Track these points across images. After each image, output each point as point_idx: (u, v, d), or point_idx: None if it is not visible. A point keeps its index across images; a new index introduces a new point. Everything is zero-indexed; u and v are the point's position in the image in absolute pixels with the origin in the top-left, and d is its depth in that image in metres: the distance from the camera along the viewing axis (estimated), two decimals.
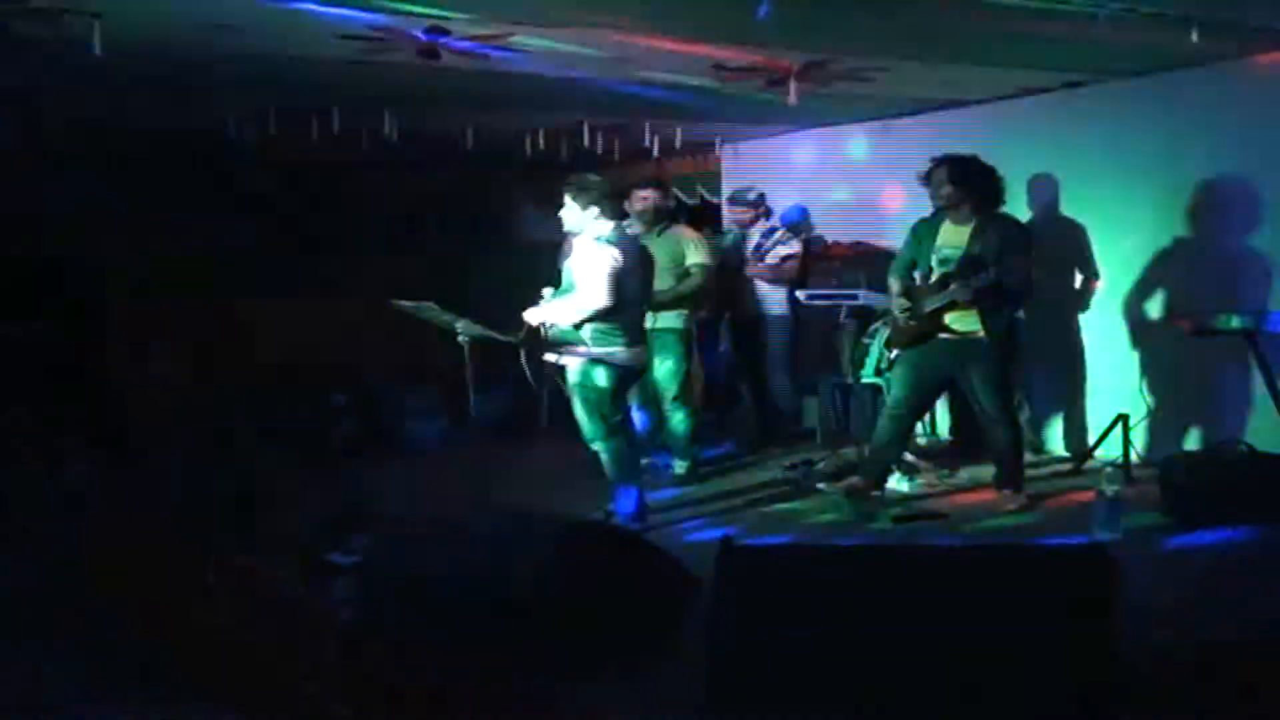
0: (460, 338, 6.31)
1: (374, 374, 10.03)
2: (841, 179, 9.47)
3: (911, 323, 6.82)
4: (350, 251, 10.57)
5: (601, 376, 6.26)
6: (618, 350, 6.26)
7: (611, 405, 6.35)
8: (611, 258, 6.18)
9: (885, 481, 7.15)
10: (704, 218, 10.64)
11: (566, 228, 6.41)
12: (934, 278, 6.77)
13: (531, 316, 6.25)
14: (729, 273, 8.76)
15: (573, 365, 6.26)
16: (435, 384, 9.70)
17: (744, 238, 8.92)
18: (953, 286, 6.56)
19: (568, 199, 6.32)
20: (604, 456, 6.44)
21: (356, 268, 10.32)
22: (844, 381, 8.08)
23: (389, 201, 11.20)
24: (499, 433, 8.40)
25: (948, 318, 6.69)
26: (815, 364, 8.83)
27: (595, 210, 6.29)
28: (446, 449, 9.20)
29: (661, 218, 7.92)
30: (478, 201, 11.70)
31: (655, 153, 9.57)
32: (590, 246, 6.24)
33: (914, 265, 6.96)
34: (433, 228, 11.70)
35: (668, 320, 7.54)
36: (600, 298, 6.14)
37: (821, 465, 7.82)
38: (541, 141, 9.13)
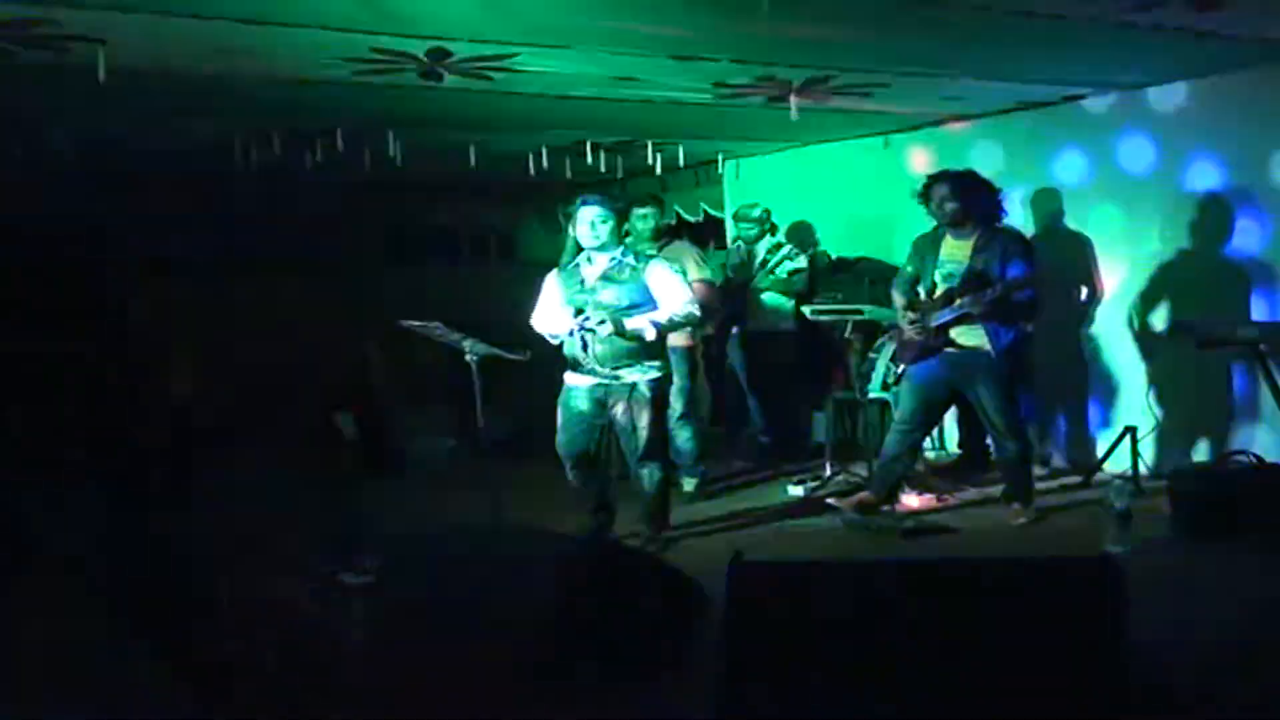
0: (468, 357, 6.33)
1: (381, 394, 10.08)
2: (844, 194, 9.50)
3: (918, 337, 6.82)
4: (354, 270, 10.59)
5: (668, 388, 6.54)
6: (665, 363, 6.50)
7: None
8: (678, 270, 6.49)
9: (894, 496, 7.15)
10: (707, 234, 10.67)
11: (598, 245, 6.37)
12: (938, 292, 6.78)
13: (637, 324, 6.24)
14: (735, 289, 8.81)
15: (644, 380, 6.33)
16: (443, 403, 9.73)
17: (749, 253, 8.95)
18: (960, 301, 6.57)
19: (603, 215, 6.33)
20: (654, 476, 6.49)
21: (362, 287, 10.36)
22: (852, 397, 8.08)
23: (394, 220, 11.25)
24: (508, 452, 8.44)
25: (954, 332, 6.70)
26: (823, 379, 8.85)
27: (621, 229, 6.47)
28: (455, 468, 9.23)
29: (661, 235, 7.99)
30: (481, 219, 11.75)
31: (658, 170, 9.59)
32: (660, 264, 6.43)
33: (917, 280, 6.97)
34: (437, 245, 11.75)
35: (670, 337, 7.55)
36: (696, 307, 6.41)
37: (830, 480, 7.84)
38: (545, 160, 9.14)
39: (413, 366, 9.93)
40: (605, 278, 6.33)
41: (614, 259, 6.36)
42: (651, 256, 6.61)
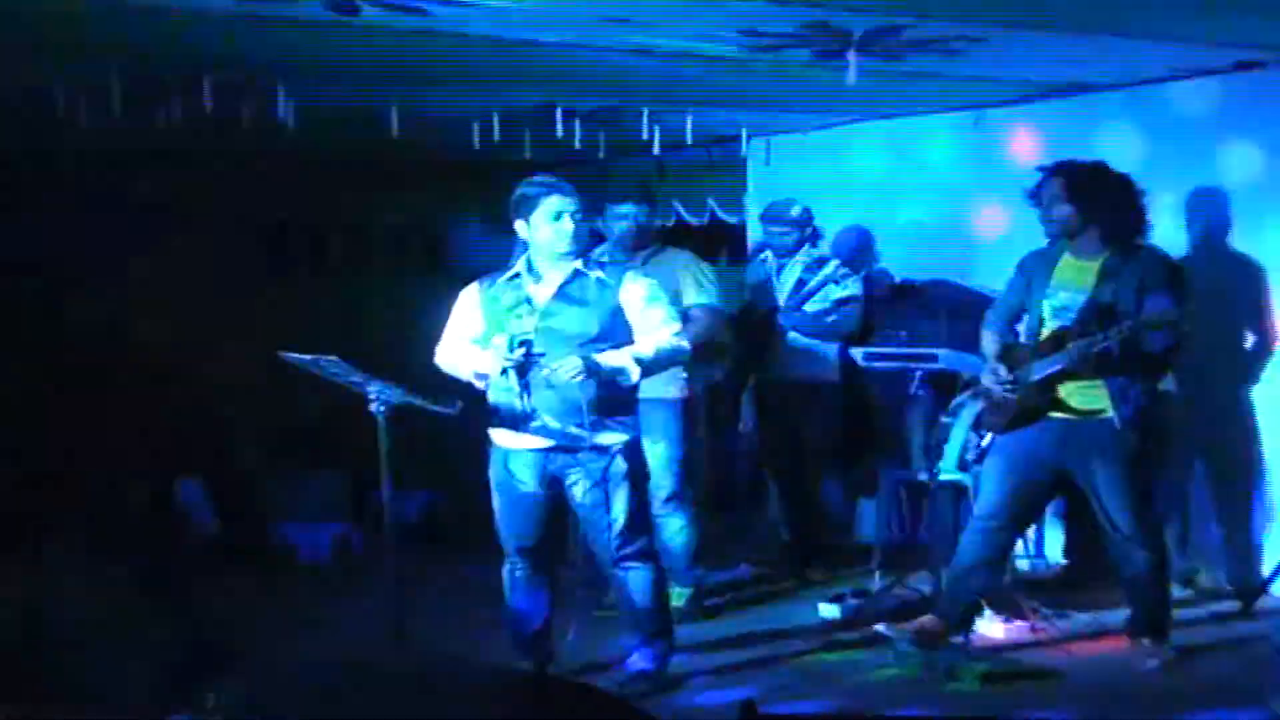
0: (374, 406, 6.26)
1: (245, 455, 10.03)
2: (917, 191, 9.51)
3: (1013, 396, 6.79)
4: (215, 279, 10.55)
5: (648, 456, 6.59)
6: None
7: None
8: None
9: (971, 623, 7.12)
10: (717, 243, 10.63)
11: (569, 250, 6.34)
12: (1046, 332, 6.76)
13: (614, 361, 6.20)
14: (756, 320, 8.82)
15: (617, 442, 6.31)
16: (334, 471, 9.66)
17: (780, 271, 8.96)
18: (1070, 345, 6.53)
19: (576, 208, 6.35)
20: (639, 582, 6.45)
21: (224, 303, 10.30)
22: (914, 478, 8.00)
23: (278, 211, 11.22)
24: (420, 543, 8.41)
25: (1063, 390, 6.67)
26: (874, 452, 8.84)
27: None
28: (346, 563, 9.17)
29: (647, 241, 7.91)
30: (403, 212, 11.74)
31: (655, 149, 9.53)
32: (637, 279, 6.44)
33: (1020, 315, 6.98)
34: (338, 248, 11.73)
35: (656, 387, 7.43)
36: (687, 339, 6.48)
37: (880, 597, 7.81)
38: (495, 132, 9.09)
39: (293, 417, 9.88)
40: (564, 296, 6.30)
41: (576, 271, 6.33)
42: (626, 266, 6.63)
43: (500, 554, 6.60)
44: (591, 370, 6.09)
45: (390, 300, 11.06)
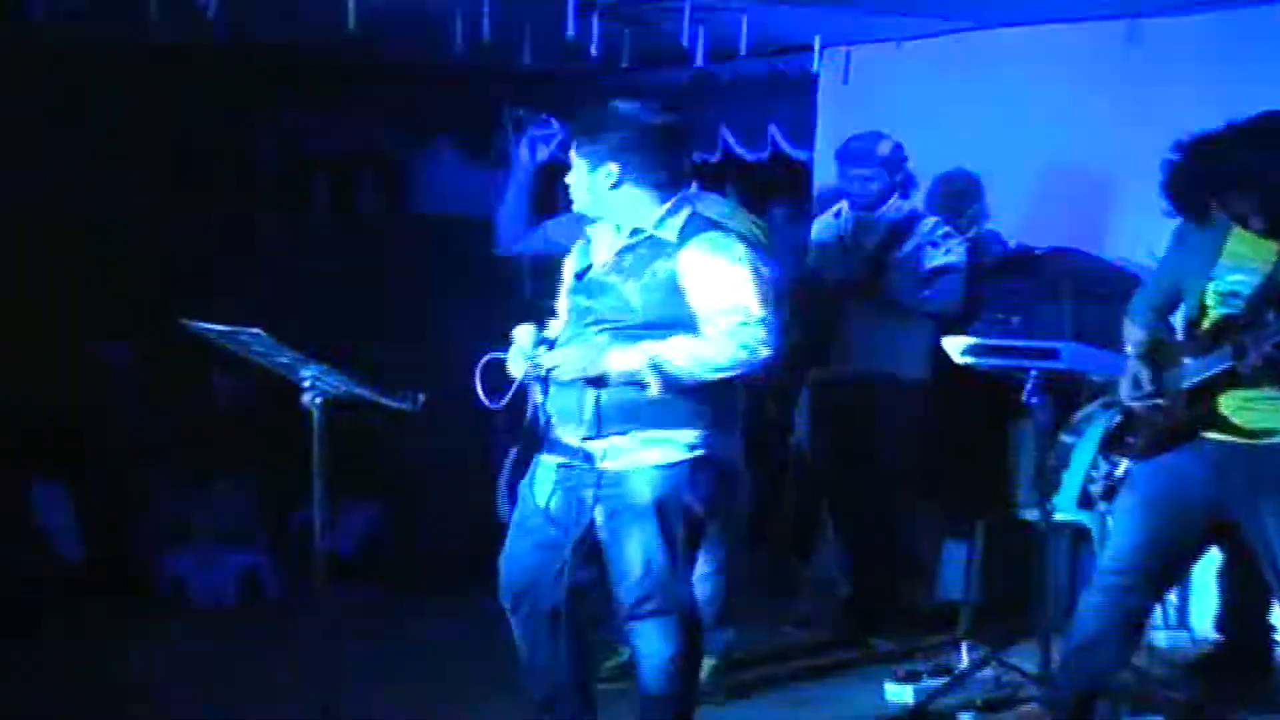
0: (308, 396, 6.28)
1: (126, 453, 10.06)
2: (1044, 128, 9.46)
3: (1159, 408, 6.71)
4: (101, 217, 10.57)
5: (703, 489, 6.29)
6: (716, 439, 6.28)
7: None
8: (752, 259, 6.23)
9: (1091, 713, 7.01)
10: (777, 187, 10.59)
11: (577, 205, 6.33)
12: (1207, 324, 6.64)
13: (625, 362, 6.01)
14: (822, 294, 8.84)
15: (647, 464, 6.15)
16: (242, 481, 9.63)
17: (858, 228, 8.98)
18: (1243, 339, 6.39)
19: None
20: (650, 653, 6.29)
21: (113, 248, 10.30)
22: (1020, 516, 7.93)
23: (190, 129, 11.22)
24: (359, 579, 8.38)
25: (1225, 403, 6.53)
26: (968, 479, 8.80)
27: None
28: (261, 605, 9.14)
29: (681, 184, 7.84)
30: (355, 135, 11.75)
31: (698, 60, 9.49)
32: (702, 246, 6.20)
33: (1178, 302, 6.86)
34: (267, 180, 11.74)
35: None
36: (762, 336, 6.10)
37: (969, 676, 7.78)
38: (484, 28, 9.05)
39: (192, 407, 9.87)
40: (614, 265, 6.23)
41: (636, 232, 6.23)
42: (691, 232, 6.34)
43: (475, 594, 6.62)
44: (594, 372, 6.00)
45: (335, 249, 11.10)
